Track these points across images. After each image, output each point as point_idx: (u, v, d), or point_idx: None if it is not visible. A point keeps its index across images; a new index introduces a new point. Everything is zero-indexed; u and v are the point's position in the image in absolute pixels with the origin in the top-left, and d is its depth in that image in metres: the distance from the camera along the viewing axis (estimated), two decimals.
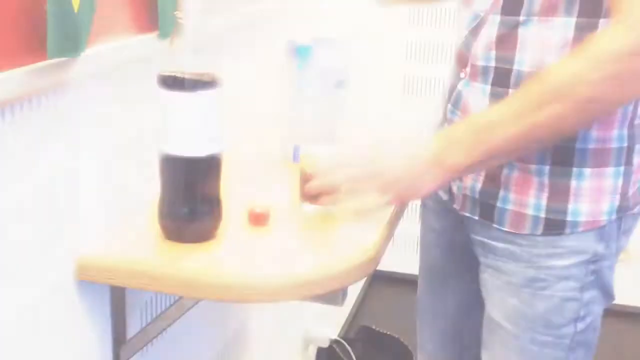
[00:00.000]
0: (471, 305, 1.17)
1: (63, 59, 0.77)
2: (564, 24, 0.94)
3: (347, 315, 2.51)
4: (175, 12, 0.85)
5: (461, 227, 1.12)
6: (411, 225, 2.75)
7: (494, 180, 1.02)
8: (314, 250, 0.94)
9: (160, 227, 0.92)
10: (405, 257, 2.70)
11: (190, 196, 0.90)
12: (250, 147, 1.33)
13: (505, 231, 1.03)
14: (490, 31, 0.99)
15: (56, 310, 0.87)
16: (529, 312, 1.03)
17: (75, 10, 0.74)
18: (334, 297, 0.93)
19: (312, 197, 0.98)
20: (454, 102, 1.06)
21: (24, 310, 0.82)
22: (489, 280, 1.07)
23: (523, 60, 0.97)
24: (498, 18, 0.98)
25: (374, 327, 2.20)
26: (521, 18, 0.96)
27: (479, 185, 1.04)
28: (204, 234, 0.92)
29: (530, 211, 1.00)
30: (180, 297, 1.11)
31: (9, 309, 0.79)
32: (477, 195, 1.05)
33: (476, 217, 1.06)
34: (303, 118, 1.18)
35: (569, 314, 1.02)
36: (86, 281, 0.89)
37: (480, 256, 1.08)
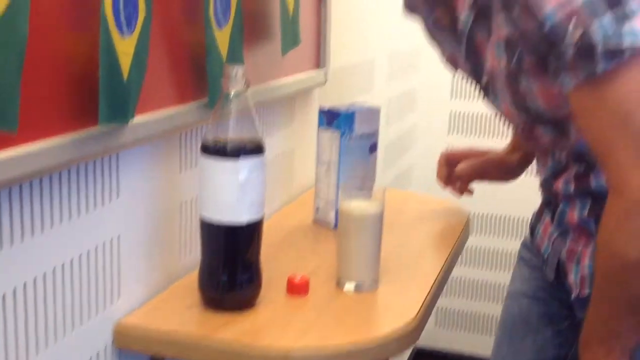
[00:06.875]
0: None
1: (113, 125, 0.79)
2: None
3: None
4: (220, 80, 0.86)
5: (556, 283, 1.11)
6: (453, 301, 2.72)
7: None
8: (352, 321, 0.92)
9: (200, 295, 0.92)
10: (448, 334, 2.64)
11: (231, 264, 0.89)
12: (290, 211, 1.33)
13: None
14: (569, 174, 1.04)
15: None
16: None
17: (125, 79, 0.76)
18: None
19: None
20: (559, 222, 1.08)
21: None
22: None
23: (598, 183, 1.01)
24: (576, 164, 1.03)
25: None
26: (591, 161, 1.01)
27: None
28: (243, 303, 0.91)
29: None
30: None
31: None
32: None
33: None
34: (346, 182, 1.19)
35: None
36: (125, 349, 0.89)
37: (579, 312, 1.05)
